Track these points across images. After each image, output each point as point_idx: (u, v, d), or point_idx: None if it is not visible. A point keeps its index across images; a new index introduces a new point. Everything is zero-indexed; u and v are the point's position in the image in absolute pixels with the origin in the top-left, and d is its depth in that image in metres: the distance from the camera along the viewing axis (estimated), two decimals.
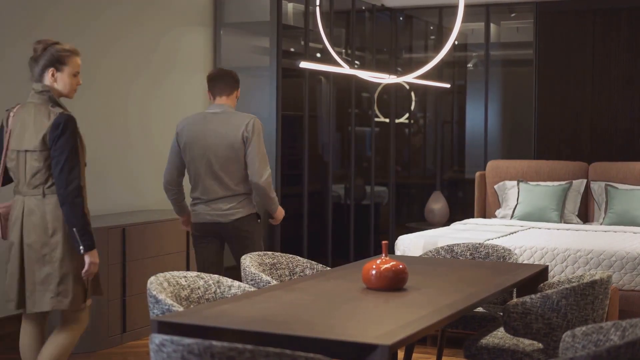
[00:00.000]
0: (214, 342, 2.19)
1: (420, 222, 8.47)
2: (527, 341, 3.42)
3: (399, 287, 3.31)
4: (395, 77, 4.12)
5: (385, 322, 2.82)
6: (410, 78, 4.03)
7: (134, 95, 6.38)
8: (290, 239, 7.33)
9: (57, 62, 3.85)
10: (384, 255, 3.36)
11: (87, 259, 3.78)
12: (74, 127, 3.77)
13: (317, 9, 4.17)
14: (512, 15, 8.65)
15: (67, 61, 3.88)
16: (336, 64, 4.68)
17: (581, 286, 3.27)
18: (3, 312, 5.36)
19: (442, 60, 4.79)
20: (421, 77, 4.65)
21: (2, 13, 5.36)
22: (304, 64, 4.17)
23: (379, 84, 8.32)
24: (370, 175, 8.44)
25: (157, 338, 2.26)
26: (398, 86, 8.77)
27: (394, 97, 8.70)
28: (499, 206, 7.20)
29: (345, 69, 4.35)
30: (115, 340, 5.44)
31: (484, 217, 7.28)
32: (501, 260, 4.31)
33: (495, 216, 7.17)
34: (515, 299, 3.33)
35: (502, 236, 5.93)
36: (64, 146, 3.73)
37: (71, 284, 3.80)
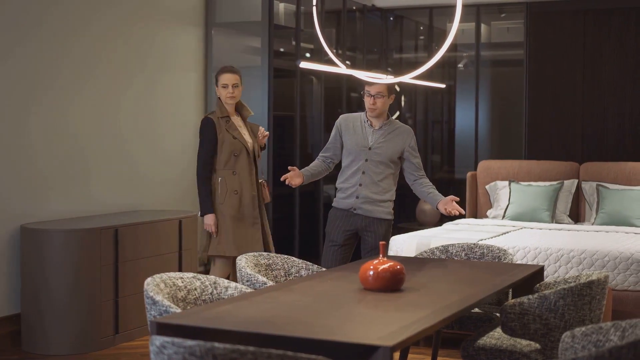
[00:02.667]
0: (216, 344, 2.17)
1: (411, 222, 8.46)
2: (524, 341, 3.42)
3: (397, 288, 3.30)
4: (393, 77, 4.10)
5: (385, 323, 2.82)
6: (408, 78, 4.02)
7: (127, 96, 6.35)
8: (282, 240, 7.31)
9: (216, 80, 5.27)
10: (381, 255, 3.35)
11: (204, 220, 5.23)
12: (204, 126, 5.21)
13: (314, 8, 4.15)
14: (503, 15, 8.65)
15: (219, 77, 5.24)
16: (331, 63, 4.67)
17: (578, 286, 3.27)
18: (3, 312, 5.33)
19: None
20: (415, 77, 4.64)
21: (2, 15, 5.33)
22: (304, 64, 4.15)
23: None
24: None
25: (157, 340, 2.24)
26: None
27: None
28: (490, 206, 7.21)
29: (342, 69, 4.33)
30: (108, 342, 5.41)
31: (475, 217, 7.28)
32: (496, 260, 4.31)
33: (486, 216, 7.17)
34: (512, 300, 3.33)
35: (495, 236, 5.93)
36: (200, 140, 5.23)
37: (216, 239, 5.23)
